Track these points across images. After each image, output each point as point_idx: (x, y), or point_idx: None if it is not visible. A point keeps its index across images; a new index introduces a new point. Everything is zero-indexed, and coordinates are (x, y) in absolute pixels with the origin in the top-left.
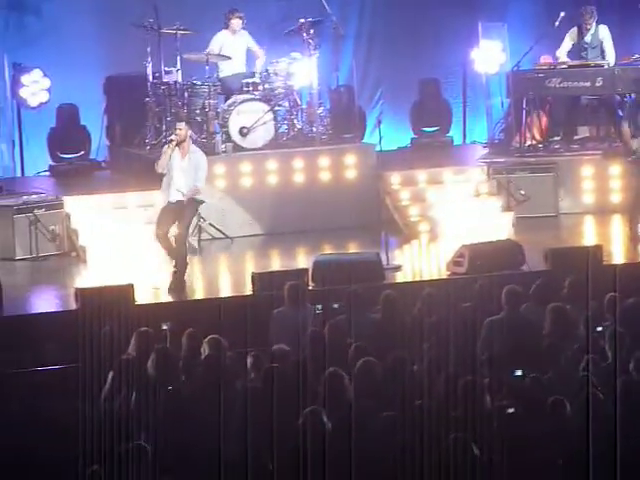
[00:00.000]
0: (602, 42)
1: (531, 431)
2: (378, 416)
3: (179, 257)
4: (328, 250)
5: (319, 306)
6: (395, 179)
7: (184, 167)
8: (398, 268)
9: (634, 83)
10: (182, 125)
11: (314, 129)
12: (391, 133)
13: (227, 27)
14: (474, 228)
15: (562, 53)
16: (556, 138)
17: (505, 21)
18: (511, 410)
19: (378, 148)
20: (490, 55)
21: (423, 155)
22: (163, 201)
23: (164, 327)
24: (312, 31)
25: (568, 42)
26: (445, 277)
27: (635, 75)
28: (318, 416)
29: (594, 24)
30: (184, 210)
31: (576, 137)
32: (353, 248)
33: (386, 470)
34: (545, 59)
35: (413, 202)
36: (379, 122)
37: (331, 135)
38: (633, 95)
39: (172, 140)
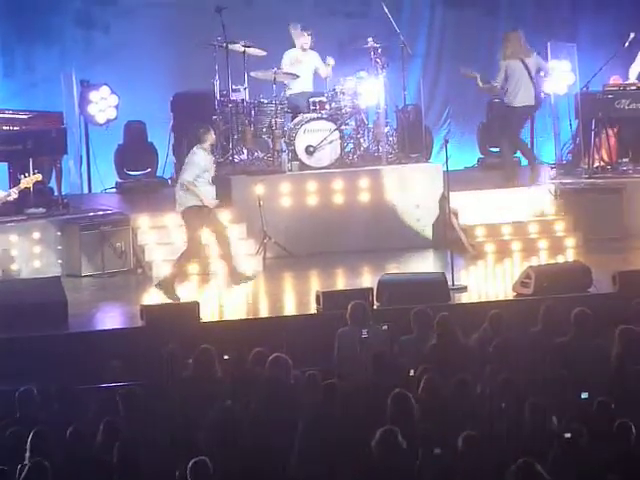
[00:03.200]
0: None
1: (596, 455)
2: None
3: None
4: (393, 270)
5: (385, 326)
6: (460, 199)
7: None
8: (464, 289)
9: None
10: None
11: (380, 148)
12: (458, 153)
13: (295, 46)
14: (542, 249)
15: (633, 73)
16: (625, 160)
17: (575, 41)
18: (568, 435)
19: (445, 168)
20: (558, 75)
21: (489, 175)
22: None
23: (225, 357)
24: (380, 50)
25: (638, 58)
26: (511, 298)
27: None
28: (393, 435)
29: None
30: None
31: None
32: (418, 268)
33: None
34: (615, 80)
35: (479, 223)
36: (446, 142)
37: (398, 154)
38: None
39: None
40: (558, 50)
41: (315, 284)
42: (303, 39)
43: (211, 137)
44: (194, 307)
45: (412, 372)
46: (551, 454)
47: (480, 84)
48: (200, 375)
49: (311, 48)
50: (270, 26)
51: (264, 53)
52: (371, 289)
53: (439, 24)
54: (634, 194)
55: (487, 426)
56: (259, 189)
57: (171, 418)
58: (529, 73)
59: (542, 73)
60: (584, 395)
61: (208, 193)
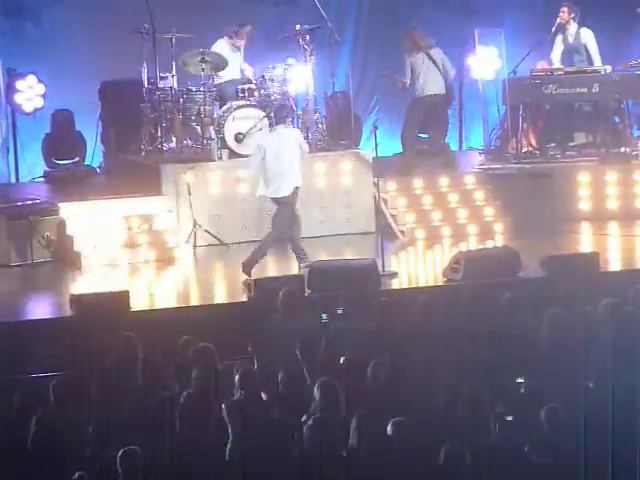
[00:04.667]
0: (586, 45)
1: (525, 438)
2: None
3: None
4: (324, 257)
5: (324, 315)
6: (391, 186)
7: None
8: (394, 275)
9: (632, 89)
10: None
11: (310, 135)
12: (387, 140)
13: (230, 37)
14: (470, 234)
15: (556, 57)
16: (552, 145)
17: (502, 27)
18: (510, 418)
19: (374, 155)
20: (486, 61)
21: (419, 162)
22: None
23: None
24: (308, 37)
25: (559, 44)
26: (441, 284)
27: (633, 81)
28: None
29: (574, 24)
30: None
31: (572, 144)
32: (349, 255)
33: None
34: (541, 65)
35: (409, 209)
36: (375, 128)
37: (327, 141)
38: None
39: None
40: (485, 36)
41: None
42: (240, 35)
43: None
44: (124, 296)
45: (342, 359)
46: (489, 437)
47: (398, 84)
48: (122, 364)
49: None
50: (199, 13)
51: (191, 36)
52: (302, 276)
53: (367, 11)
54: (562, 179)
55: (421, 411)
56: (189, 177)
57: (99, 407)
58: (435, 64)
59: (450, 71)
60: (519, 380)
61: None
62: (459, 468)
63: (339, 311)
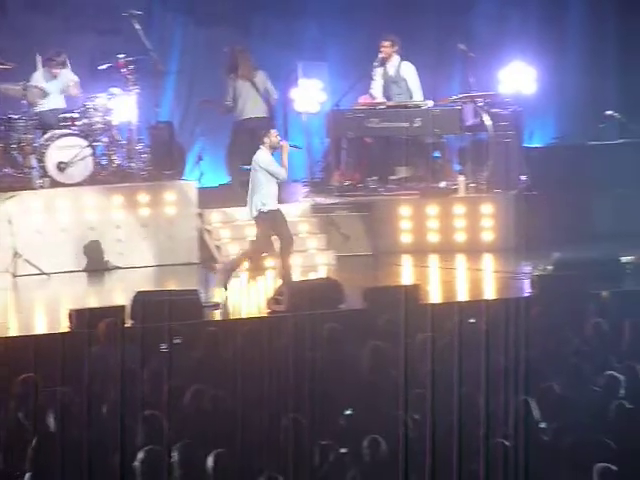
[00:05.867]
0: (406, 79)
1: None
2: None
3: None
4: (147, 287)
5: (163, 345)
6: (215, 217)
7: None
8: (217, 306)
9: (452, 124)
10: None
11: (133, 165)
12: (213, 170)
13: (48, 66)
14: (294, 266)
15: (376, 91)
16: (374, 178)
17: (326, 60)
18: (344, 450)
19: (198, 185)
20: (310, 94)
21: (244, 193)
22: (273, 208)
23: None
24: (132, 67)
25: (379, 78)
26: (265, 315)
27: (453, 116)
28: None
29: (396, 56)
30: None
31: (393, 177)
32: (172, 285)
33: None
34: (364, 99)
35: (232, 240)
36: (199, 158)
37: (151, 171)
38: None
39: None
40: (309, 69)
41: (67, 302)
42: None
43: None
44: None
45: (165, 390)
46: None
47: (218, 109)
48: None
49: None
50: (22, 41)
51: (10, 66)
52: (124, 307)
53: (191, 41)
54: (383, 212)
55: (239, 442)
56: (9, 206)
57: None
58: (256, 87)
59: (272, 94)
60: (348, 412)
61: None
62: None
63: (176, 341)
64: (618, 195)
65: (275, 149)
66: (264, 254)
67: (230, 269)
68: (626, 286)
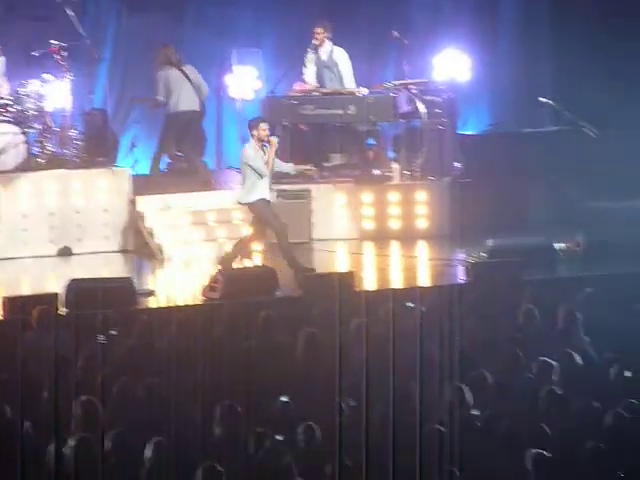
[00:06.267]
0: (338, 65)
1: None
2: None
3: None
4: (82, 275)
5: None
6: (149, 204)
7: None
8: (151, 293)
9: (386, 111)
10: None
11: (67, 152)
12: (146, 157)
13: None
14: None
15: (309, 77)
16: (309, 165)
17: (260, 47)
18: (280, 437)
19: (132, 172)
20: (244, 81)
21: (178, 180)
22: (252, 200)
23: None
24: (65, 53)
25: (312, 64)
26: (199, 302)
27: (387, 103)
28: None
29: (328, 42)
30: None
31: (328, 164)
32: (107, 273)
33: None
34: (299, 85)
35: (167, 227)
36: (133, 145)
37: (84, 158)
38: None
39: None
40: (243, 56)
41: (1, 290)
42: None
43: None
44: None
45: (100, 378)
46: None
47: (150, 104)
48: None
49: None
50: None
51: None
52: (57, 294)
53: (125, 29)
54: (318, 199)
55: (173, 430)
56: None
57: None
58: (189, 80)
59: (203, 88)
60: (284, 399)
61: None
62: None
63: (112, 332)
64: (552, 182)
65: (262, 142)
66: (254, 242)
67: (229, 260)
68: (559, 273)
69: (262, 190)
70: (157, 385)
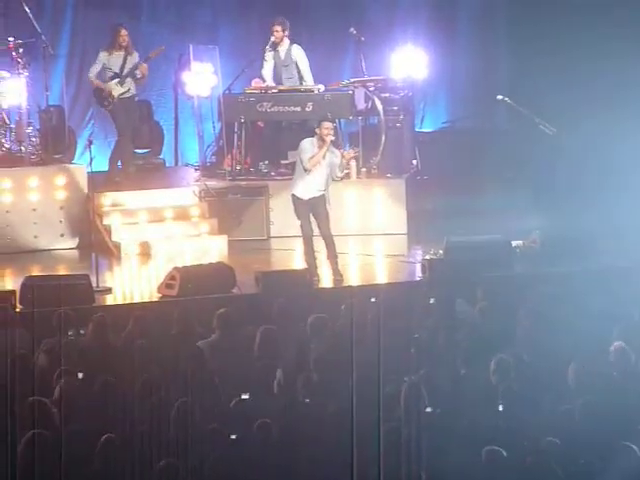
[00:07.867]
0: (297, 62)
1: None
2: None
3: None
4: (37, 272)
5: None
6: (106, 200)
7: (324, 166)
8: (108, 290)
9: (344, 108)
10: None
11: (23, 149)
12: (103, 154)
13: None
14: (186, 251)
15: (267, 74)
16: (266, 162)
17: (217, 43)
18: (234, 436)
19: (89, 169)
20: (201, 78)
21: (135, 177)
22: (292, 192)
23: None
24: (21, 50)
25: (270, 61)
26: (156, 300)
27: (345, 101)
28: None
29: (286, 40)
30: (322, 205)
31: (285, 161)
32: (63, 270)
33: None
34: (257, 83)
35: (124, 224)
36: (90, 143)
37: (41, 155)
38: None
39: (330, 141)
40: (200, 52)
41: None
42: None
43: None
44: None
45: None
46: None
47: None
48: None
49: None
50: None
51: None
52: (14, 291)
53: (82, 25)
54: (275, 196)
55: (128, 428)
56: None
57: None
58: (128, 67)
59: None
60: (244, 396)
61: None
62: None
63: (81, 331)
64: (508, 179)
65: (322, 140)
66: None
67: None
68: (516, 269)
69: (304, 185)
70: (112, 383)
